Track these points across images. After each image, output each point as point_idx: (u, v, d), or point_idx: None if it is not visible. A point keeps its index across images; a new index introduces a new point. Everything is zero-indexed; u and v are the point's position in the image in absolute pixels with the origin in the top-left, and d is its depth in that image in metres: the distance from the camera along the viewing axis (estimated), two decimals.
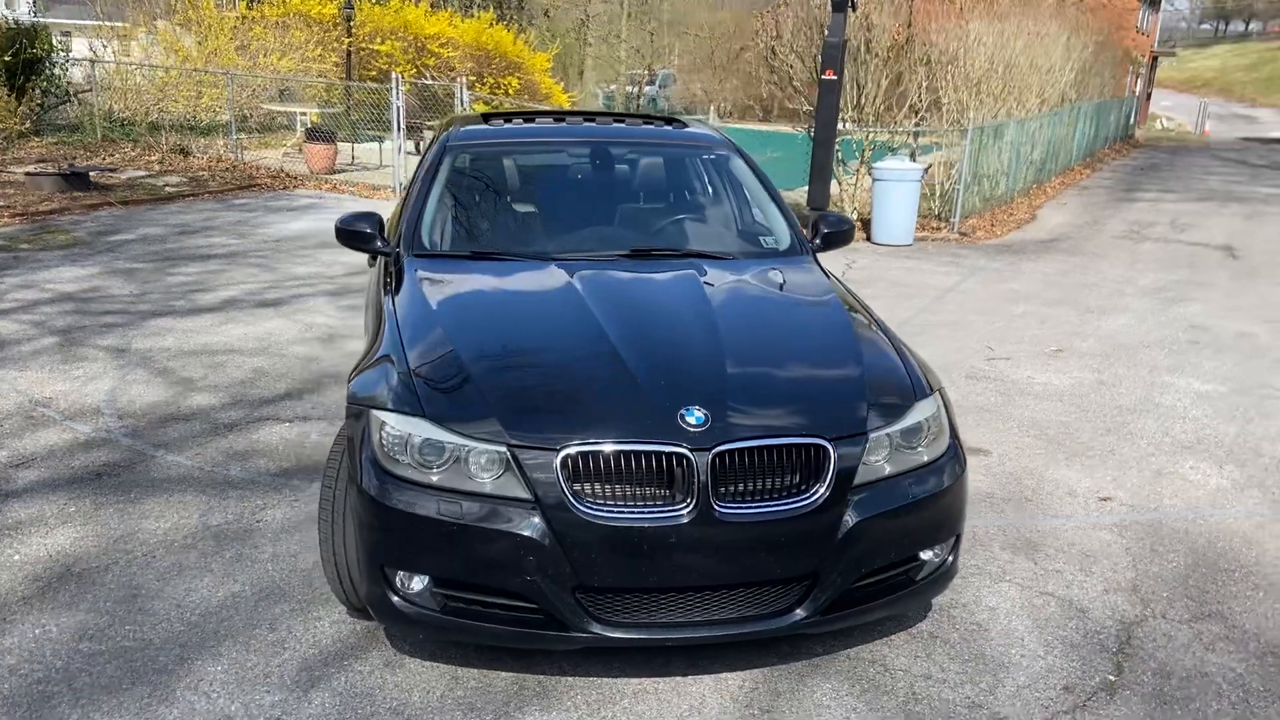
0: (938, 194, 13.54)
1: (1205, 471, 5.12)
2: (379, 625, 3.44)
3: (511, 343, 3.46)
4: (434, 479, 2.94)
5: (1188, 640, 3.54)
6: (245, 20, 18.68)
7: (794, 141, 14.26)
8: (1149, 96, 42.68)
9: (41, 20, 19.77)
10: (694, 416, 2.96)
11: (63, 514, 4.22)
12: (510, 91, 21.94)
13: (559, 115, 5.28)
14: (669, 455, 2.89)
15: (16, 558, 3.85)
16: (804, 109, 13.48)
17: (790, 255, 4.42)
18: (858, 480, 3.02)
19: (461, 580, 2.96)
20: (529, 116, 5.16)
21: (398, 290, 3.87)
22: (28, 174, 12.21)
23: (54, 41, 17.04)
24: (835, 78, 10.91)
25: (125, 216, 11.40)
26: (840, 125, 12.11)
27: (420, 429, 2.98)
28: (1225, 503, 4.75)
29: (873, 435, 3.09)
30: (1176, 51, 69.66)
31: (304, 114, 16.85)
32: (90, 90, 16.70)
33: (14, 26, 15.47)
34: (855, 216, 12.08)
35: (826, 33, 11.01)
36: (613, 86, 34.73)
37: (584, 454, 2.88)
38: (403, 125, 13.83)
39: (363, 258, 9.63)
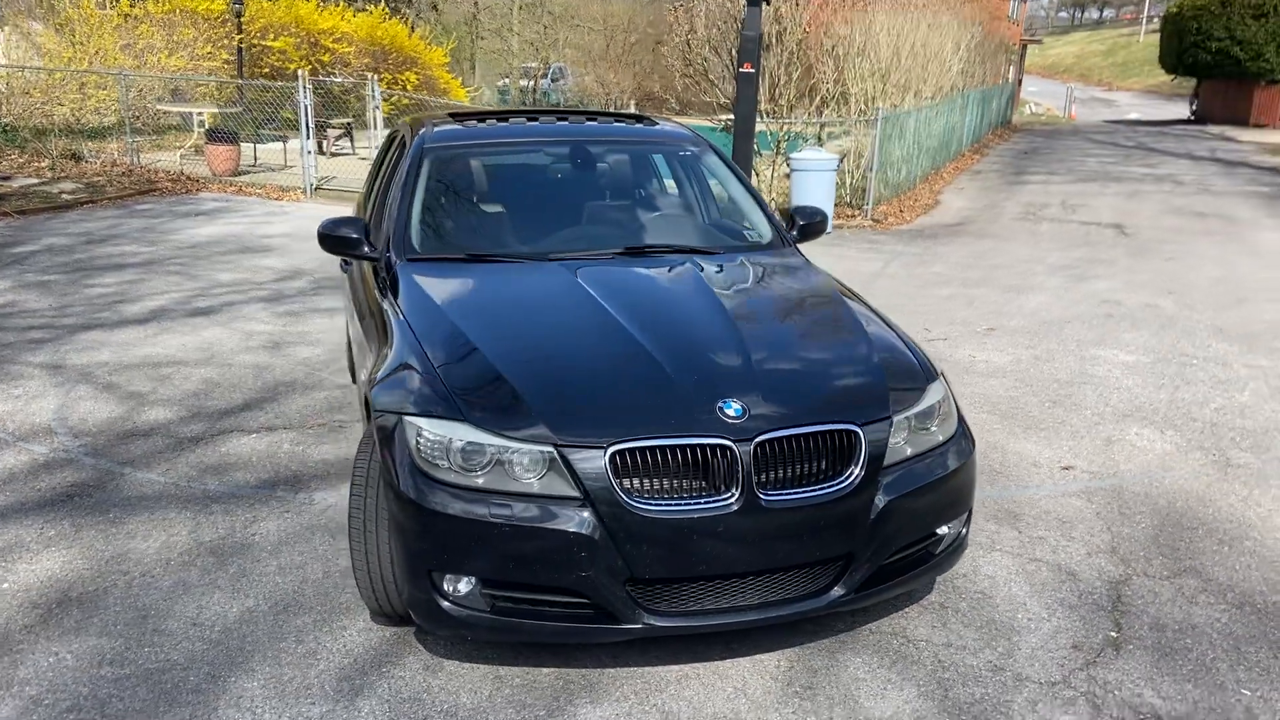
0: (847, 183, 13.93)
1: (1149, 437, 5.46)
2: (407, 631, 3.42)
3: (536, 342, 3.46)
4: (479, 481, 2.94)
5: (1172, 595, 3.80)
6: (128, 18, 17.88)
7: (711, 136, 14.43)
8: (1020, 82, 44.51)
9: None
10: (732, 409, 3.04)
11: (43, 538, 4.05)
12: (409, 87, 21.57)
13: (531, 114, 5.26)
14: (712, 447, 2.96)
15: (6, 585, 3.69)
16: (719, 101, 13.68)
17: (774, 248, 4.53)
18: (886, 462, 3.16)
19: (512, 580, 2.97)
20: (502, 116, 5.13)
21: (398, 296, 3.83)
22: None
23: None
24: (753, 70, 11.12)
25: (24, 227, 10.86)
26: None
27: (460, 433, 2.98)
28: (1174, 465, 5.08)
29: (896, 418, 3.22)
30: (1042, 40, 72.87)
31: (199, 114, 16.25)
32: None
33: None
34: (774, 206, 12.32)
35: (743, 27, 11.20)
36: (506, 80, 34.45)
37: (631, 450, 2.93)
38: (311, 124, 13.51)
39: (294, 263, 9.50)
